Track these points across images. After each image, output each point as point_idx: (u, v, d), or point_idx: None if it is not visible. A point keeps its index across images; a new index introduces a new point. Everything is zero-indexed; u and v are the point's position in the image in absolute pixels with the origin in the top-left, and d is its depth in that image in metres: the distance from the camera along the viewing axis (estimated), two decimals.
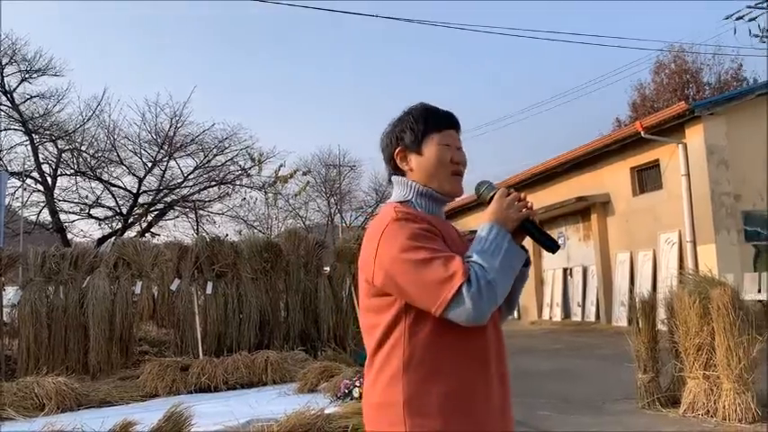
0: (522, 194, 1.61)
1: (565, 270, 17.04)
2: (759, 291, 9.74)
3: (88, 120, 16.73)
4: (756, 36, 20.73)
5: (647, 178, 14.07)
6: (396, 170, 1.72)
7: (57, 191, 16.82)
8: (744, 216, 12.09)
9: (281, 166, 18.73)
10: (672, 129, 12.59)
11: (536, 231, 1.61)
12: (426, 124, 1.69)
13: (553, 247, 1.60)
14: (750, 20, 20.82)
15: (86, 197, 17.27)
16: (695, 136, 12.29)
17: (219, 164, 17.98)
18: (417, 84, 57.03)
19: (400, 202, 1.67)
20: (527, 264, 1.63)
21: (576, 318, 16.09)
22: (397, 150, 1.70)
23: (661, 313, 5.96)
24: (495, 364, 1.59)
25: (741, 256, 11.88)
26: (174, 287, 9.24)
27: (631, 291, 10.75)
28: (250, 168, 18.01)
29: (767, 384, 5.25)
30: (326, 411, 5.11)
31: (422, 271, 1.48)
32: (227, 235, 14.28)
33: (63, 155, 16.70)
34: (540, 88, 61.10)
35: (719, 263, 11.25)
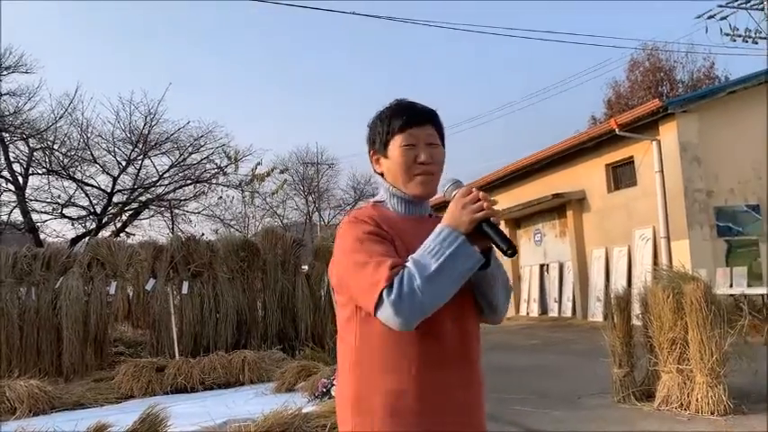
0: (482, 194, 1.53)
1: (541, 266, 17.19)
2: (731, 285, 9.91)
3: (60, 118, 16.45)
4: (727, 35, 21.07)
5: (621, 175, 14.23)
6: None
7: (28, 190, 16.53)
8: (716, 212, 12.29)
9: (257, 164, 18.60)
10: (646, 126, 12.75)
11: (493, 233, 1.51)
12: (390, 125, 1.65)
13: (508, 250, 1.50)
14: (721, 18, 21.17)
15: (59, 197, 17.00)
16: (669, 133, 12.45)
17: (195, 162, 17.80)
18: (405, 81, 57.07)
19: (377, 202, 1.70)
20: (485, 267, 1.54)
21: (553, 313, 16.24)
22: (371, 154, 1.72)
23: (636, 308, 6.03)
24: (458, 366, 1.57)
25: (713, 251, 12.07)
26: (149, 287, 9.14)
27: (607, 286, 10.88)
28: (226, 167, 17.85)
29: (739, 377, 5.34)
30: (304, 411, 5.08)
31: (358, 274, 1.51)
32: (203, 234, 14.17)
33: (35, 154, 16.41)
34: (523, 86, 61.46)
35: (692, 258, 11.43)
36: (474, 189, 1.55)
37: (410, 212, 1.67)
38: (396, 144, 1.65)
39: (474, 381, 1.61)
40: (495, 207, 1.53)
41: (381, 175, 1.71)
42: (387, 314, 1.45)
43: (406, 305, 1.43)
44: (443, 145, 1.72)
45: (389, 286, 1.44)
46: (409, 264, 1.47)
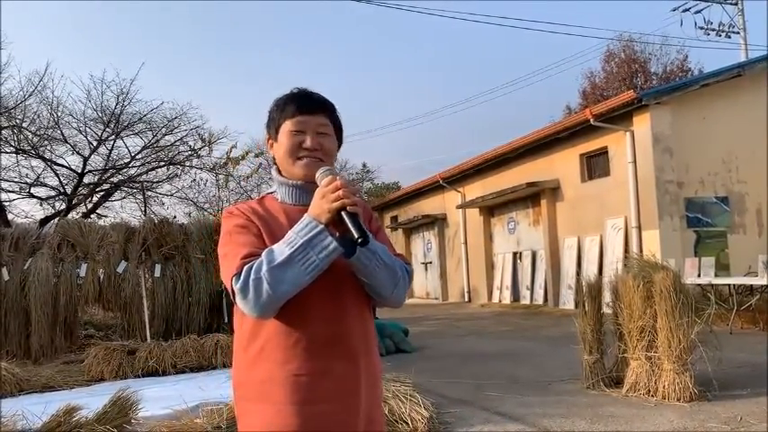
0: (341, 181, 1.53)
1: (515, 254, 17.33)
2: (699, 275, 10.09)
3: (30, 95, 16.08)
4: (701, 28, 21.35)
5: (595, 165, 14.37)
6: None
7: None
8: (686, 203, 12.50)
9: (232, 147, 18.41)
10: (620, 117, 12.87)
11: (348, 221, 1.49)
12: (283, 112, 1.69)
13: (359, 238, 1.47)
14: (696, 12, 21.44)
15: (27, 176, 16.67)
16: (642, 124, 12.59)
17: (168, 144, 17.57)
18: (379, 67, 56.87)
19: (267, 194, 1.75)
20: (348, 255, 1.53)
21: (525, 301, 16.42)
22: (267, 139, 1.76)
23: (606, 296, 6.11)
24: (330, 356, 1.56)
25: (683, 241, 12.29)
26: (120, 269, 9.03)
27: (578, 274, 11.02)
28: (200, 149, 17.65)
29: (705, 365, 5.46)
30: None
31: (224, 265, 1.58)
32: (175, 217, 14.02)
33: (2, 132, 16.05)
34: (496, 74, 61.61)
35: (662, 248, 11.62)
36: (337, 178, 1.55)
37: (298, 201, 1.67)
38: (285, 129, 1.68)
39: (356, 370, 1.59)
40: (356, 196, 1.52)
41: (275, 162, 1.73)
42: (238, 301, 1.51)
43: (250, 292, 1.47)
44: (339, 138, 1.74)
45: (238, 274, 1.49)
46: (263, 254, 1.50)
